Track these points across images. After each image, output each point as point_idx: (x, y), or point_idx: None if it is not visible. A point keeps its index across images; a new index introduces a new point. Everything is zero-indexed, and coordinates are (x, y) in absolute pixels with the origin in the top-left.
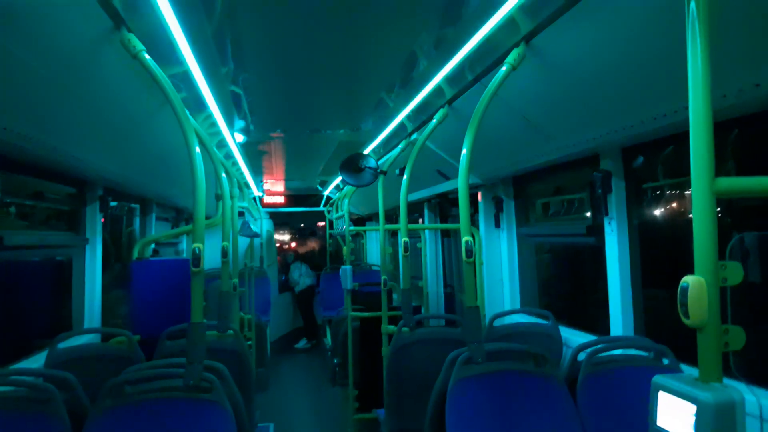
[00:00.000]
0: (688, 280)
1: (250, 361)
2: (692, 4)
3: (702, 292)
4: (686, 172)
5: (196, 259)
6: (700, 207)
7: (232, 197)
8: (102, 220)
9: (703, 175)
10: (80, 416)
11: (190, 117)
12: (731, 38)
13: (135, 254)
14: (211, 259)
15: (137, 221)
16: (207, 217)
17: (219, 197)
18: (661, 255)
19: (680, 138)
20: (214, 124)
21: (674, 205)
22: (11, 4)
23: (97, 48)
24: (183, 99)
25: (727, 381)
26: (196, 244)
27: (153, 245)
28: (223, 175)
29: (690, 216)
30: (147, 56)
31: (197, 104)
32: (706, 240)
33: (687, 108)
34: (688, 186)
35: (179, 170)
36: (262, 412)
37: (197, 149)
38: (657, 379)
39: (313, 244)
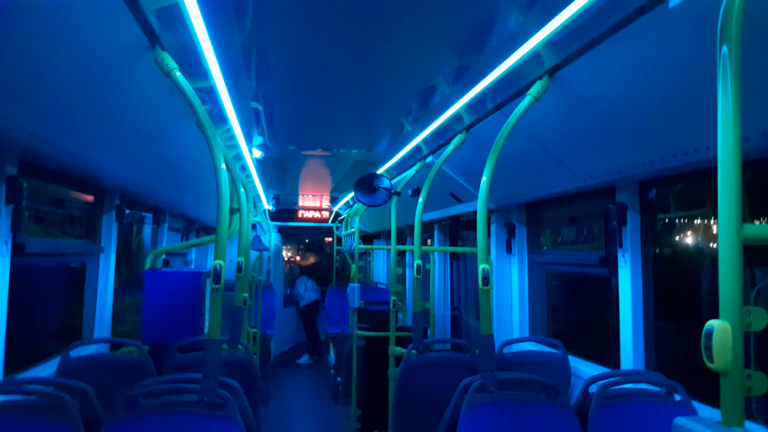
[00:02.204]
0: (713, 324)
1: (258, 376)
2: (724, 48)
3: (727, 336)
4: (701, 205)
5: (218, 276)
6: (727, 253)
7: (248, 212)
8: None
9: (730, 221)
10: (94, 425)
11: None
12: (759, 80)
13: (148, 264)
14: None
15: (148, 229)
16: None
17: (234, 211)
18: (673, 289)
19: (698, 174)
20: (232, 137)
21: (688, 237)
22: (53, 12)
23: (130, 63)
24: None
25: (748, 424)
26: (217, 261)
27: (164, 255)
28: (242, 189)
29: (704, 248)
30: (179, 74)
31: (218, 118)
32: (732, 285)
33: (707, 148)
34: (701, 218)
35: (194, 181)
36: (265, 427)
37: (223, 166)
38: (678, 421)
39: (312, 258)
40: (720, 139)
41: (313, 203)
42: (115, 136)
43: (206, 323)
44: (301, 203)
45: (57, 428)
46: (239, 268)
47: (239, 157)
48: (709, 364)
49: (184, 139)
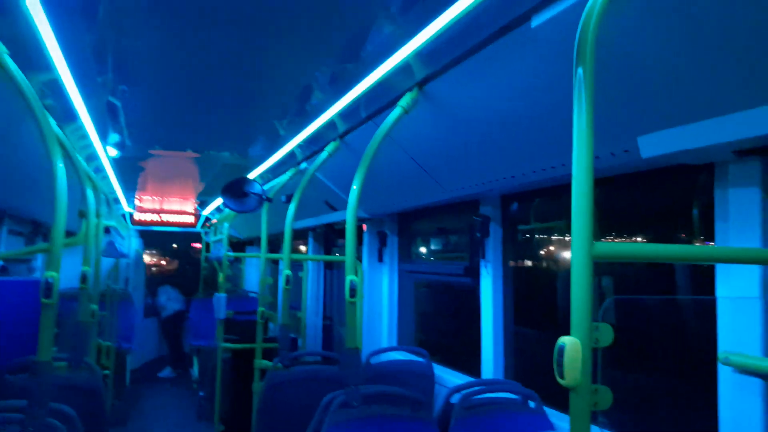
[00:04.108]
0: (564, 341)
1: (104, 398)
2: (579, 71)
3: (577, 353)
4: (557, 218)
5: (49, 289)
6: (579, 270)
7: (98, 215)
8: None
9: (582, 239)
10: None
11: (56, 127)
12: (609, 105)
13: None
14: (69, 278)
15: None
16: (69, 234)
17: (83, 214)
18: (530, 296)
19: (555, 190)
20: (84, 135)
21: (544, 248)
22: None
23: None
24: (50, 107)
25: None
26: (49, 273)
27: (1, 262)
28: (90, 190)
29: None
30: (9, 59)
31: (67, 114)
32: (583, 302)
33: (563, 165)
34: (557, 232)
35: (38, 181)
36: None
37: (60, 165)
38: None
39: (175, 266)
40: (574, 160)
41: (180, 207)
42: None
43: None
44: (165, 206)
45: None
46: (83, 280)
47: (94, 156)
48: (560, 381)
49: (26, 134)
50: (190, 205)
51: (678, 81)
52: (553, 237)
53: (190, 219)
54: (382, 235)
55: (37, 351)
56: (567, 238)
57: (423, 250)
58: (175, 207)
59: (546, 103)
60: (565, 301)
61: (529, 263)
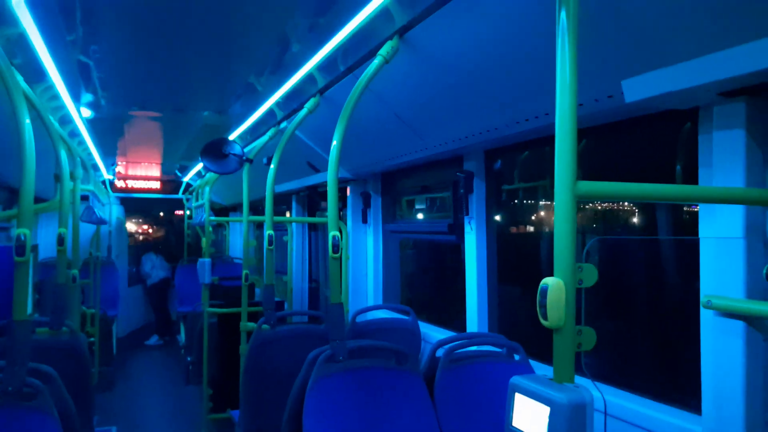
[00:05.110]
0: (548, 282)
1: (88, 361)
2: (563, 14)
3: (561, 293)
4: (540, 176)
5: (21, 247)
6: (562, 209)
7: (74, 179)
8: None
9: (565, 178)
10: None
11: (24, 84)
12: (592, 49)
13: None
14: (48, 246)
15: None
16: (43, 200)
17: (57, 178)
18: (514, 254)
19: (538, 143)
20: (56, 96)
21: (528, 207)
22: None
23: None
24: (18, 65)
25: (577, 378)
26: (21, 230)
27: None
28: (64, 152)
29: (539, 218)
30: None
31: (36, 73)
32: (566, 242)
33: (546, 114)
34: (541, 190)
35: (12, 146)
36: (106, 414)
37: (27, 121)
38: (514, 380)
39: (159, 233)
40: (558, 99)
41: (160, 173)
42: None
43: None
44: (145, 172)
45: None
46: (60, 241)
47: (68, 119)
48: (543, 322)
49: None
50: (171, 171)
51: (662, 20)
52: (536, 191)
53: (172, 185)
54: (366, 196)
55: (13, 310)
56: (550, 203)
57: (407, 209)
58: (155, 173)
59: (528, 49)
60: (550, 257)
61: (512, 219)
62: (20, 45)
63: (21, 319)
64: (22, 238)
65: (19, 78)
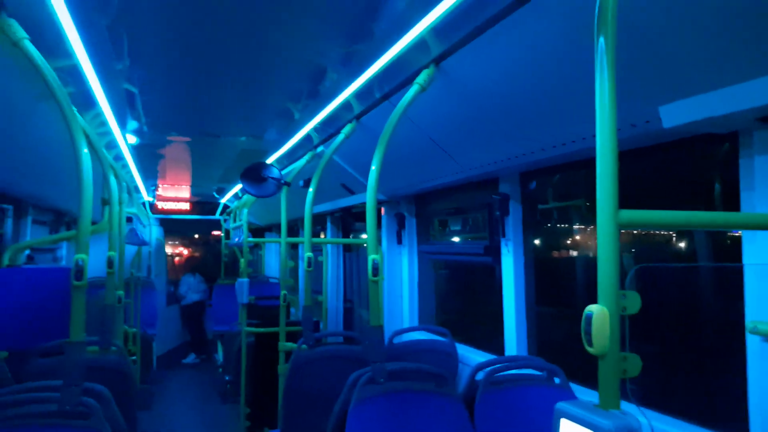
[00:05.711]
0: (592, 309)
1: (134, 379)
2: (601, 40)
3: (605, 321)
4: (577, 195)
5: (79, 272)
6: (605, 237)
7: (120, 203)
8: None
9: (608, 207)
10: None
11: (78, 114)
12: (629, 75)
13: (6, 260)
14: (93, 266)
15: (9, 223)
16: (92, 223)
17: (106, 202)
18: (552, 276)
19: (574, 166)
20: (104, 123)
21: (562, 230)
22: None
23: None
24: (70, 94)
25: (623, 404)
26: (79, 255)
27: (27, 251)
28: (113, 177)
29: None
30: (30, 44)
31: (86, 101)
32: (609, 270)
33: (583, 138)
34: (574, 210)
35: (60, 170)
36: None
37: (85, 150)
38: (560, 406)
39: (197, 254)
40: (598, 128)
41: (199, 194)
42: None
43: None
44: (184, 195)
45: None
46: (110, 264)
47: (113, 144)
48: (588, 349)
49: (47, 124)
50: (210, 193)
51: (699, 48)
52: (572, 214)
53: (209, 206)
54: (400, 217)
55: (70, 332)
56: (588, 229)
57: (440, 230)
58: (193, 196)
59: (564, 75)
60: (586, 279)
61: (549, 241)
62: (73, 75)
63: (77, 341)
64: (80, 263)
65: (73, 108)
